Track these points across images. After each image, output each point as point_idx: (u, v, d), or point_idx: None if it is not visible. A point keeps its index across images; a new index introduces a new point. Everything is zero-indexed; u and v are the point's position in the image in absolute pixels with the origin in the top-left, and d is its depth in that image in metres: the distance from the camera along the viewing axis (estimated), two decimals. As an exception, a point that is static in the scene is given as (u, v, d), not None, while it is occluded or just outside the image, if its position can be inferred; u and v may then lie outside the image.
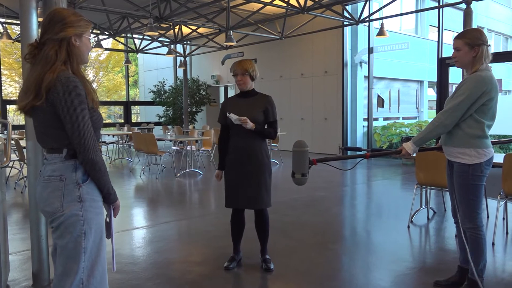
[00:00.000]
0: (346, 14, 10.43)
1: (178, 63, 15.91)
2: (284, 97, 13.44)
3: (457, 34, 2.92)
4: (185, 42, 14.98)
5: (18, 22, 11.90)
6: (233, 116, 3.27)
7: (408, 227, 4.81)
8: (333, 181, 7.98)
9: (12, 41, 12.48)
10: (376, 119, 13.07)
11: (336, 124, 12.17)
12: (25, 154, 6.83)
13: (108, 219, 2.01)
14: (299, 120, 13.19)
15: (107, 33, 12.68)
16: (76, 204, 1.84)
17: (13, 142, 7.82)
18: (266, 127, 3.44)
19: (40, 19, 4.14)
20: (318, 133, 12.62)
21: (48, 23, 1.87)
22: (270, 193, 3.43)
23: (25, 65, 3.12)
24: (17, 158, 7.51)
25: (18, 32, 14.10)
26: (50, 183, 1.86)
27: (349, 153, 11.70)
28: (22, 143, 7.40)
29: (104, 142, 12.35)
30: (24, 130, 10.96)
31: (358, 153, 11.50)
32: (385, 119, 13.57)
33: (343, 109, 11.96)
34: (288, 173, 8.30)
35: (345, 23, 10.81)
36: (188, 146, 9.37)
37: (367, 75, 12.02)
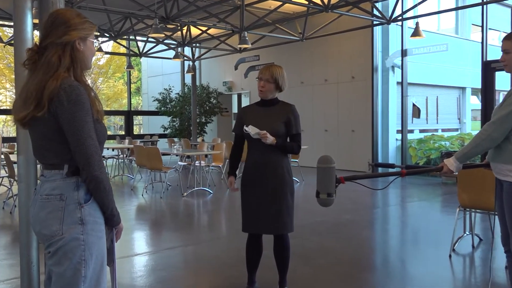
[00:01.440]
0: (376, 12, 10.45)
1: (186, 68, 16.10)
2: (306, 106, 13.45)
3: (505, 34, 2.90)
4: (194, 45, 15.16)
5: (11, 23, 12.27)
6: (251, 130, 3.26)
7: (450, 256, 4.73)
8: (362, 202, 7.92)
9: (4, 44, 12.81)
10: (411, 131, 12.96)
11: (365, 137, 12.10)
12: (15, 170, 6.97)
13: (109, 244, 2.02)
14: (323, 132, 13.16)
15: (107, 35, 12.93)
16: (77, 227, 1.85)
17: (2, 156, 7.98)
18: (288, 140, 3.44)
19: (36, 21, 4.25)
20: (344, 147, 12.55)
21: (50, 25, 1.91)
22: (293, 216, 3.42)
23: (18, 71, 3.20)
24: (7, 175, 7.64)
25: (10, 35, 14.46)
26: (49, 202, 1.87)
27: (380, 170, 11.59)
28: (13, 157, 7.54)
29: (103, 156, 12.51)
30: (14, 143, 11.18)
31: (391, 170, 11.35)
32: (421, 131, 13.45)
33: (373, 119, 11.90)
34: (310, 192, 8.27)
35: (375, 22, 10.82)
36: (197, 162, 9.42)
37: (400, 81, 11.96)
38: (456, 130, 14.82)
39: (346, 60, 12.56)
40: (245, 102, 16.75)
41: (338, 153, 12.60)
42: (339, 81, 12.75)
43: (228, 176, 3.57)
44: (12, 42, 11.87)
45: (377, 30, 11.95)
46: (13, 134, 22.20)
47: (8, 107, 22.61)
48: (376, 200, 8.37)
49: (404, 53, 11.79)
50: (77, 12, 1.96)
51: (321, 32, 11.87)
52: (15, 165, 6.83)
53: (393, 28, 12.05)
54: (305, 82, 13.68)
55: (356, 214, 6.93)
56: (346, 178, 2.61)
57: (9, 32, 18.91)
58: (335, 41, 12.65)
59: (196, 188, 8.97)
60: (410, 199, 8.52)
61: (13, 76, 20.25)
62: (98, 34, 12.83)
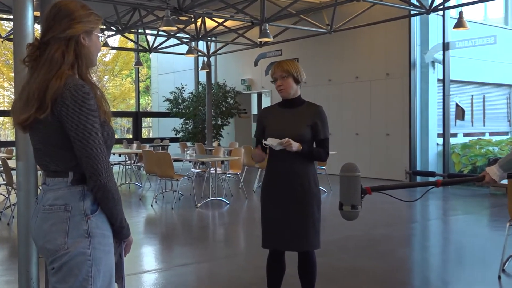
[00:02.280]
0: (413, 0, 10.37)
1: (200, 65, 16.20)
2: (334, 106, 13.40)
3: None
4: (209, 39, 15.25)
5: (10, 17, 12.54)
6: (272, 142, 3.24)
7: (499, 277, 4.65)
8: (399, 216, 7.85)
9: (2, 39, 13.09)
10: (455, 135, 12.80)
11: (401, 142, 11.99)
12: (14, 178, 7.10)
13: (117, 259, 2.04)
14: (353, 136, 13.09)
15: (114, 28, 13.10)
16: (83, 240, 1.87)
17: None
18: (314, 145, 3.43)
19: (37, 13, 4.33)
20: (378, 153, 12.46)
21: (53, 18, 1.93)
22: (319, 231, 3.40)
23: (18, 69, 3.27)
24: (4, 182, 7.79)
25: (9, 29, 14.77)
26: (52, 213, 1.89)
27: (418, 179, 11.49)
28: (11, 163, 7.67)
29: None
30: (13, 148, 11.39)
31: (430, 179, 11.26)
32: (466, 135, 13.27)
33: (411, 122, 11.79)
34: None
35: (412, 12, 10.74)
36: (212, 169, 9.45)
37: (441, 78, 11.84)
38: (506, 133, 14.57)
39: (379, 55, 12.49)
40: (266, 103, 16.78)
41: (371, 159, 12.50)
42: (371, 79, 12.67)
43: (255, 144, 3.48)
44: (11, 37, 12.12)
45: (415, 20, 11.85)
46: (12, 138, 22.63)
47: (6, 108, 23.05)
48: (414, 213, 8.28)
49: (446, 46, 11.67)
50: (81, 3, 1.98)
51: (352, 24, 11.82)
52: (13, 172, 6.96)
53: (434, 18, 11.94)
54: (333, 79, 13.64)
55: (391, 229, 6.87)
56: (373, 188, 2.59)
57: (8, 26, 19.31)
58: (367, 33, 12.58)
59: (211, 198, 9.00)
60: (453, 212, 8.41)
61: (12, 75, 20.64)
62: (104, 27, 13.01)
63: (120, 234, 2.00)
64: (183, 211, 8.37)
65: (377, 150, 12.49)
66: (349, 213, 2.54)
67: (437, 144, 12.13)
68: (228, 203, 8.81)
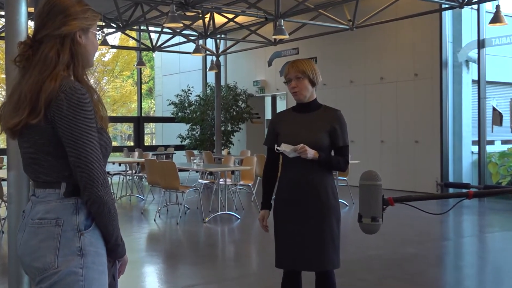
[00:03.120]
0: (445, -7, 10.34)
1: (208, 65, 16.28)
2: (356, 110, 13.37)
3: None
4: (218, 36, 15.31)
5: (1, 13, 12.70)
6: (285, 148, 3.23)
7: (543, 302, 4.59)
8: (429, 232, 7.79)
9: (-8, 37, 13.24)
10: (491, 142, 12.70)
11: (432, 150, 11.91)
12: (4, 189, 7.15)
13: (110, 280, 2.04)
14: (378, 143, 13.03)
15: (114, 25, 13.21)
16: (75, 259, 1.87)
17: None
18: (332, 153, 3.43)
19: (31, 9, 4.39)
20: (406, 162, 12.39)
21: (47, 14, 1.95)
22: (339, 249, 3.39)
23: (9, 69, 3.31)
24: (-6, 194, 7.84)
25: (0, 26, 14.96)
26: (42, 228, 1.89)
27: (451, 191, 11.39)
28: (1, 173, 7.73)
29: (108, 172, 12.73)
30: (4, 156, 11.49)
31: (464, 191, 11.16)
32: (504, 142, 13.16)
33: (442, 127, 11.72)
34: (362, 219, 8.16)
35: (443, 5, 10.70)
36: (221, 180, 9.46)
37: (476, 79, 11.76)
38: (550, 141, 14.41)
39: (407, 54, 12.44)
40: (281, 106, 16.78)
41: (398, 169, 12.43)
42: (398, 80, 12.63)
43: (260, 206, 3.56)
44: (3, 34, 12.27)
45: (447, 15, 11.81)
46: (2, 146, 22.85)
47: (-4, 113, 23.23)
48: (446, 229, 8.22)
49: (481, 44, 11.60)
50: None
51: (376, 19, 11.81)
52: (3, 183, 7.02)
53: (467, 12, 11.88)
54: (355, 81, 13.61)
55: (421, 246, 6.82)
56: (396, 199, 2.58)
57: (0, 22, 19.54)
58: (394, 29, 12.56)
59: (220, 213, 9.01)
60: (490, 228, 8.33)
61: (3, 76, 20.79)
62: (103, 24, 13.13)
63: (115, 252, 2.00)
64: (189, 226, 8.37)
65: (405, 159, 12.42)
66: (369, 226, 2.54)
67: (472, 152, 12.03)
68: (239, 218, 8.81)
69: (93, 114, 1.88)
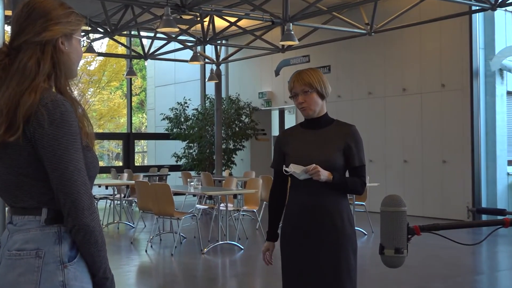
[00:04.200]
0: (475, -7, 10.39)
1: (207, 75, 16.36)
2: (375, 126, 13.37)
3: None
4: (218, 42, 15.38)
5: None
6: (295, 169, 3.22)
7: None
8: (459, 265, 7.74)
9: (-36, 44, 13.42)
10: (530, 162, 12.67)
11: (462, 171, 11.89)
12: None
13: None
14: (400, 163, 13.00)
15: (101, 30, 13.30)
16: (58, 295, 1.87)
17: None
18: (347, 174, 3.44)
19: (8, 12, 4.44)
20: (432, 184, 12.35)
21: (26, 18, 1.96)
22: (356, 283, 3.38)
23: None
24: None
25: (-27, 31, 15.08)
26: (21, 260, 1.89)
27: (484, 218, 11.35)
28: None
29: (93, 196, 12.72)
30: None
31: (500, 218, 11.11)
32: (544, 162, 13.12)
33: (473, 145, 11.71)
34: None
35: (474, 7, 10.75)
36: (222, 205, 9.46)
37: (512, 90, 11.78)
38: None
39: (433, 62, 12.47)
40: (290, 121, 16.81)
41: (423, 193, 12.39)
42: (423, 91, 12.64)
43: (265, 236, 3.55)
44: (-25, 41, 12.37)
45: (478, 18, 11.84)
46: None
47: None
48: (478, 262, 8.16)
49: (517, 50, 11.63)
50: (59, 0, 2.01)
51: (397, 23, 11.86)
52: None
53: (501, 15, 11.91)
54: (374, 92, 13.63)
55: (450, 282, 6.77)
56: (423, 227, 2.58)
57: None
58: (417, 34, 12.60)
59: (220, 242, 8.98)
60: (529, 260, 8.27)
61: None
62: (89, 29, 13.21)
63: (104, 286, 1.99)
64: (185, 258, 8.35)
65: (431, 182, 12.38)
66: (392, 259, 2.54)
67: (508, 174, 11.98)
68: (242, 249, 8.78)
69: (78, 131, 1.89)
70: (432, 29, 12.22)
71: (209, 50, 17.19)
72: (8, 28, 7.00)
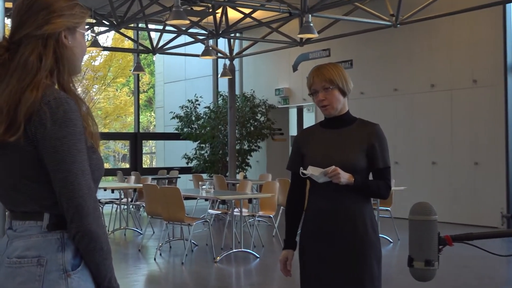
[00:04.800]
0: (509, -19, 10.32)
1: (220, 70, 16.36)
2: (401, 125, 13.32)
3: None
4: (232, 35, 15.38)
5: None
6: (313, 172, 3.21)
7: None
8: (493, 276, 7.70)
9: (-39, 38, 13.54)
10: None
11: (495, 173, 11.81)
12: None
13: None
14: (429, 165, 12.94)
15: (107, 22, 13.35)
16: (61, 305, 1.88)
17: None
18: (370, 177, 3.42)
19: (8, 4, 4.48)
20: (463, 188, 12.29)
21: (27, 11, 1.96)
22: (380, 295, 3.37)
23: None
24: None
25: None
26: (21, 268, 1.90)
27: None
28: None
29: (99, 201, 12.77)
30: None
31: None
32: None
33: (508, 146, 11.63)
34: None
35: (508, -3, 10.67)
36: (236, 210, 9.46)
37: (550, 86, 11.69)
38: None
39: (463, 56, 12.40)
40: (309, 120, 16.79)
41: (453, 197, 12.32)
42: (453, 87, 12.57)
43: (283, 244, 3.55)
44: (-27, 35, 12.47)
45: (512, 8, 11.78)
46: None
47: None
48: (514, 272, 8.10)
49: (556, 43, 11.54)
50: None
51: (425, 14, 11.80)
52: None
53: (538, 5, 11.83)
54: (400, 88, 13.58)
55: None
56: (455, 237, 2.56)
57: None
58: (447, 26, 12.54)
59: (234, 250, 8.98)
60: None
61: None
62: (93, 21, 13.27)
63: None
64: (197, 266, 8.36)
65: (462, 185, 12.31)
66: (422, 272, 2.53)
67: (546, 177, 11.90)
68: (257, 257, 8.78)
69: (82, 130, 1.89)
70: (462, 20, 12.14)
71: (222, 43, 17.19)
72: (8, 21, 7.06)
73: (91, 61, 27.18)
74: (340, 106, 3.38)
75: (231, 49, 15.81)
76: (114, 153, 32.55)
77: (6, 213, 2.07)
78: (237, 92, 17.00)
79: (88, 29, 13.17)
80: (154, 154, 29.06)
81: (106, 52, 26.19)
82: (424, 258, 2.50)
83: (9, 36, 1.98)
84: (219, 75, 16.49)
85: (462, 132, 12.41)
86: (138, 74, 18.82)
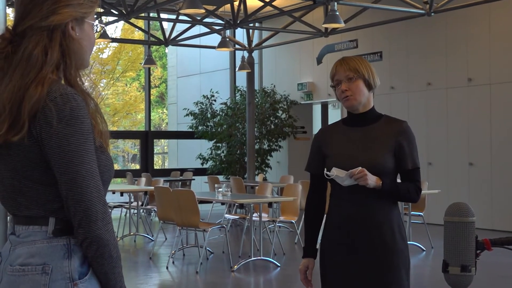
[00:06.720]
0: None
1: (238, 63, 16.37)
2: (435, 123, 13.27)
3: None
4: (251, 25, 15.38)
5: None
6: (338, 173, 3.18)
7: None
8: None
9: (-40, 29, 13.69)
10: None
11: (538, 175, 11.75)
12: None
13: None
14: (465, 166, 12.88)
15: (116, 12, 13.43)
16: (67, 317, 1.89)
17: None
18: (399, 179, 3.41)
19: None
20: (503, 191, 12.22)
21: (31, 0, 1.97)
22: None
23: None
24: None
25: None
26: (25, 276, 1.91)
27: None
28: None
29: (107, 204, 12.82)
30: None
31: None
32: None
33: (553, 145, 11.57)
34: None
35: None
36: (255, 215, 9.48)
37: None
38: None
39: (504, 47, 12.33)
40: (334, 117, 16.75)
41: (492, 201, 12.26)
42: (492, 82, 12.51)
43: (303, 253, 3.55)
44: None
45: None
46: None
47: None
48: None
49: None
50: None
51: (462, 1, 11.75)
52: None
53: None
54: (434, 83, 13.52)
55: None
56: (494, 241, 2.56)
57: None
58: (486, 15, 12.47)
59: (253, 258, 8.99)
60: None
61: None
62: (102, 11, 13.34)
63: None
64: (212, 276, 8.38)
65: (502, 188, 12.24)
66: (458, 278, 2.53)
67: None
68: (278, 266, 8.78)
69: (90, 129, 1.90)
70: (503, 7, 12.06)
71: (240, 34, 17.19)
72: (10, 12, 7.13)
73: (99, 53, 27.22)
74: (364, 99, 3.35)
75: (249, 40, 15.80)
76: (123, 153, 32.69)
77: (9, 217, 2.09)
78: (256, 87, 17.00)
79: (96, 19, 13.17)
80: (166, 154, 29.16)
81: (114, 44, 26.21)
82: (460, 263, 2.50)
83: (12, 27, 1.98)
84: (236, 69, 16.46)
85: (502, 130, 12.33)
86: (149, 68, 18.89)
